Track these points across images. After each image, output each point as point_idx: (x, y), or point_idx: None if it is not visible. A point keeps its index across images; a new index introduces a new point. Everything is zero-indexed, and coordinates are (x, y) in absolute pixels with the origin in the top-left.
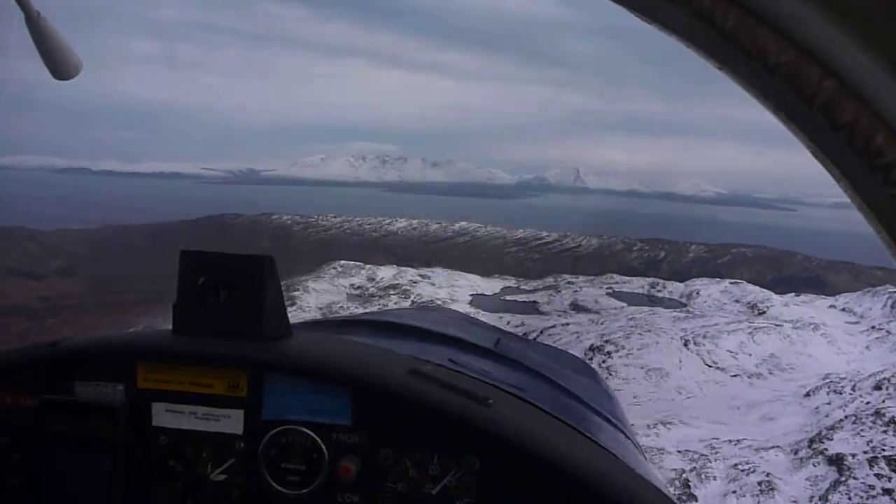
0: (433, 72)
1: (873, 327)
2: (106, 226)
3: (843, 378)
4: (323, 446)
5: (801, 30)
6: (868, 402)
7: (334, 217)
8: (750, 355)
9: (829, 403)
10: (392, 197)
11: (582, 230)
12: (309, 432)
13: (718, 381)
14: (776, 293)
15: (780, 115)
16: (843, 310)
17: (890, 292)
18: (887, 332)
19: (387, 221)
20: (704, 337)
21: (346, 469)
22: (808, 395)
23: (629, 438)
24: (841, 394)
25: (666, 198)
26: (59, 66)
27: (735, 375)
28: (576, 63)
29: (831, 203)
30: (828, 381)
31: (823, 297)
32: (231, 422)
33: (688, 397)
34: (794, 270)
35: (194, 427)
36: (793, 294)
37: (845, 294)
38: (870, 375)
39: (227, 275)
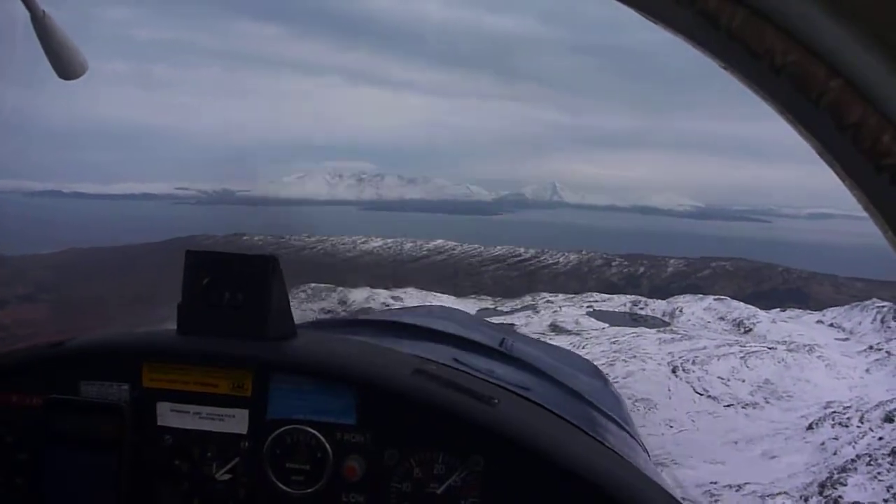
0: (409, 89)
1: (871, 347)
2: (74, 249)
3: (848, 407)
4: (328, 446)
5: (807, 30)
6: (881, 438)
7: (307, 237)
8: (743, 381)
9: (836, 438)
10: (369, 215)
11: (560, 246)
12: (314, 432)
13: (711, 411)
14: (760, 308)
15: (787, 115)
16: (832, 325)
17: (878, 306)
18: (887, 353)
19: (361, 241)
20: (693, 363)
21: (351, 469)
22: (811, 427)
23: (634, 439)
24: (848, 427)
25: (643, 212)
26: (65, 65)
27: (729, 405)
28: (553, 79)
29: (807, 214)
30: (831, 410)
31: (810, 311)
32: (236, 421)
33: (679, 431)
34: (774, 283)
35: (199, 427)
36: (778, 310)
37: (832, 308)
38: (878, 405)
39: (231, 275)
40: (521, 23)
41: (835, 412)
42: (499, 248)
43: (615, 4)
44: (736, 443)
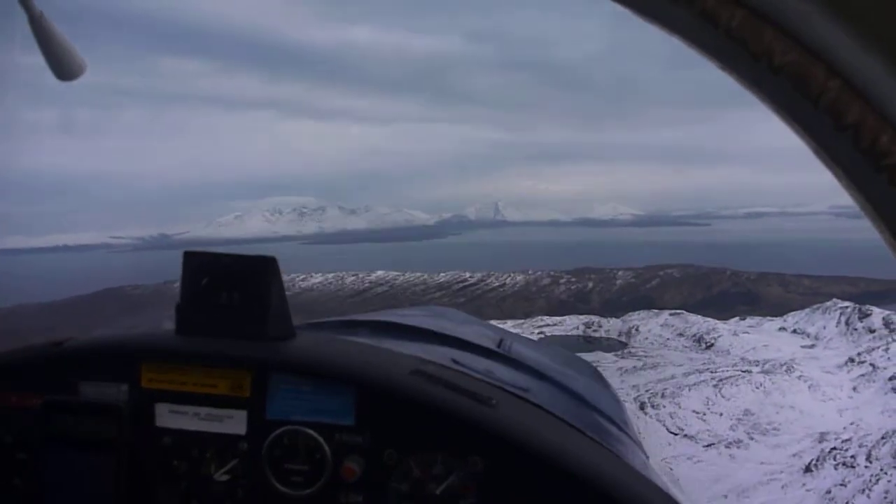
0: (346, 117)
1: (852, 360)
2: None
3: (847, 440)
4: (326, 446)
5: (806, 30)
6: None
7: None
8: (721, 415)
9: (843, 484)
10: (311, 249)
11: (506, 267)
12: (312, 433)
13: (690, 455)
14: (715, 315)
15: (785, 115)
16: (795, 332)
17: (841, 307)
18: (871, 365)
19: (301, 278)
20: (663, 396)
21: (350, 469)
22: (808, 469)
23: (632, 440)
24: (854, 468)
25: (586, 224)
26: (63, 66)
27: (709, 445)
28: (486, 98)
29: (744, 214)
30: (828, 446)
31: (770, 318)
32: (234, 422)
33: None
34: (724, 287)
35: (198, 427)
36: (737, 319)
37: (793, 313)
38: (883, 437)
39: (230, 276)
40: (447, 42)
41: (834, 448)
42: (443, 274)
43: (539, 20)
44: (726, 496)
